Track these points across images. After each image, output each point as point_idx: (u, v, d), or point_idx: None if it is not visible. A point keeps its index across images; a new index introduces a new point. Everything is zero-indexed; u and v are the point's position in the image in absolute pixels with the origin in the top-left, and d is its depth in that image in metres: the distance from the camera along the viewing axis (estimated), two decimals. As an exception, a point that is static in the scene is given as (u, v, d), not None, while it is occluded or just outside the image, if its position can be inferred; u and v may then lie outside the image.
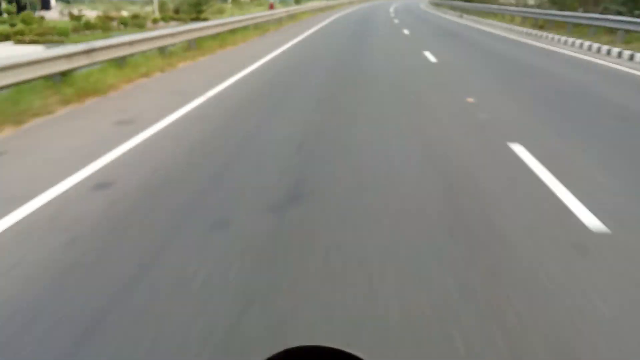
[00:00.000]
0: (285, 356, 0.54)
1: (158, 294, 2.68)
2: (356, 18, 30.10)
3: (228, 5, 46.02)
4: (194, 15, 36.00)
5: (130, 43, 10.05)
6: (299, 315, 2.48)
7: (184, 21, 33.86)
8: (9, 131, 5.82)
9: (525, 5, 29.05)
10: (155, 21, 31.15)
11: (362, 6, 49.30)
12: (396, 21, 26.08)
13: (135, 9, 43.71)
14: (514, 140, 5.30)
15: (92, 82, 7.93)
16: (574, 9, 20.58)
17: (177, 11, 39.12)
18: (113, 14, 39.10)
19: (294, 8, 33.50)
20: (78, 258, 3.05)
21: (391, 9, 41.12)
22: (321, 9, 38.85)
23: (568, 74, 10.54)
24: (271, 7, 37.31)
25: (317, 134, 5.81)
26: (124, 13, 39.75)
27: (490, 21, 25.76)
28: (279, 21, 24.35)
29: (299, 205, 3.79)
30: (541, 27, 20.16)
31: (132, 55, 10.28)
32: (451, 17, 33.31)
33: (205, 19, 33.37)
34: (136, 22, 27.96)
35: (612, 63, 11.94)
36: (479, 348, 2.24)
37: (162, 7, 39.02)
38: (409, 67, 11.28)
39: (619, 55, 12.85)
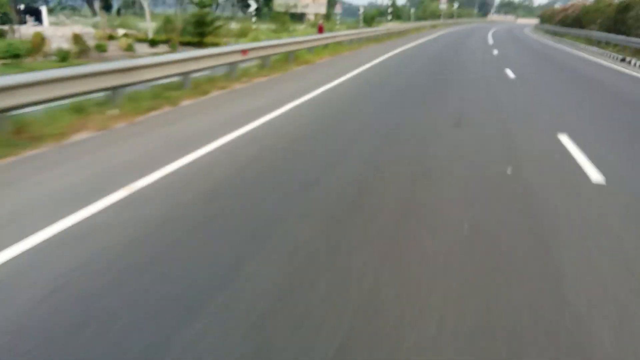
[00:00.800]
0: None
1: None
2: (433, 55, 17.59)
3: (255, 26, 34.79)
4: (196, 39, 25.04)
5: None
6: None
7: (171, 48, 22.92)
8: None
9: None
10: (100, 48, 20.03)
11: (446, 33, 36.23)
12: (510, 75, 12.91)
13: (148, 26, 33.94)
14: None
15: None
16: None
17: (183, 31, 28.38)
18: (107, 32, 29.16)
19: (351, 32, 21.58)
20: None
21: (490, 39, 27.92)
22: (389, 36, 26.64)
23: None
24: (320, 30, 25.87)
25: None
26: (120, 32, 29.77)
27: None
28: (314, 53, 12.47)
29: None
30: None
31: None
32: (590, 55, 19.76)
33: (215, 44, 22.30)
34: (62, 54, 16.93)
35: None
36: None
37: (166, 25, 28.36)
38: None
39: None
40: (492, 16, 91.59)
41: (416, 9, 58.05)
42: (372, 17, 49.41)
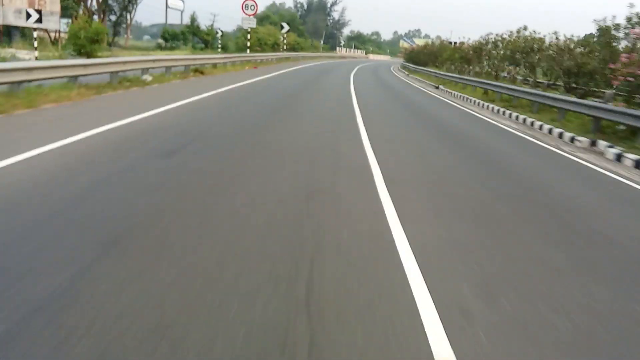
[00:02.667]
0: None
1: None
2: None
3: None
4: None
5: None
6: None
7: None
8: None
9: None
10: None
11: (296, 71, 25.46)
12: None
13: None
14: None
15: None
16: None
17: None
18: None
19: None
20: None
21: (352, 88, 18.48)
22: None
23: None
24: None
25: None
26: None
27: None
28: None
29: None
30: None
31: None
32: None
33: None
34: None
35: None
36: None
37: None
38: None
39: None
40: (341, 50, 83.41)
41: (238, 37, 45.66)
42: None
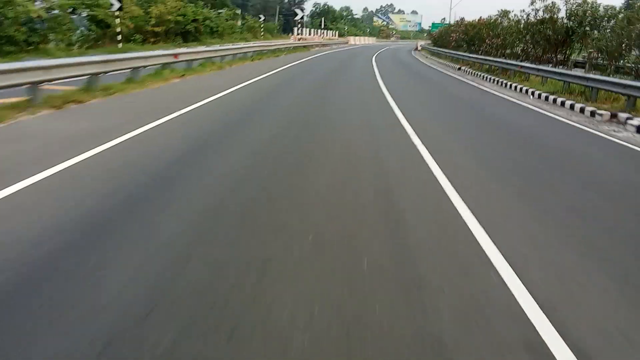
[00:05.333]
0: None
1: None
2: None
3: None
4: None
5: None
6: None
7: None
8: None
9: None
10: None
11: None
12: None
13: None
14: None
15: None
16: None
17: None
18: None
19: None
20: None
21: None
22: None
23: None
24: None
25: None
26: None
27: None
28: None
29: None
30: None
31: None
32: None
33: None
34: None
35: None
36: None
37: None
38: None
39: None
40: (302, 33, 56.70)
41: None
42: None
